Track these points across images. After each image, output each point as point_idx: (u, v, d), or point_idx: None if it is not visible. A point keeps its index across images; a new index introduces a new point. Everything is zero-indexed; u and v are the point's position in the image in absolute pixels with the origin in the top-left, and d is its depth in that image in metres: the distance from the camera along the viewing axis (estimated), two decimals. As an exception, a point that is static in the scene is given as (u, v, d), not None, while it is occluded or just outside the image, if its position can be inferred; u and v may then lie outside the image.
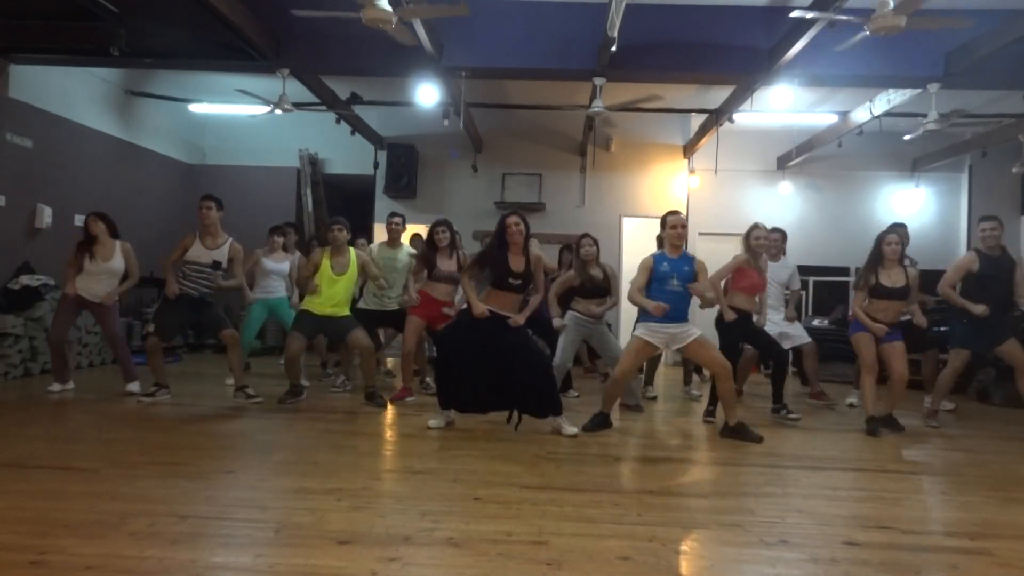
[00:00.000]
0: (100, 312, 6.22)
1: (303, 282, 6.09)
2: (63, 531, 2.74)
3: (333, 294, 5.90)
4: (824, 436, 5.27)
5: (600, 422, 5.15)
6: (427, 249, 6.14)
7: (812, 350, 6.71)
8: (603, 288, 5.97)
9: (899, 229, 6.63)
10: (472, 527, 2.94)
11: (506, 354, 4.88)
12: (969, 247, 9.97)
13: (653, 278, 5.08)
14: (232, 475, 3.72)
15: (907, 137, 8.10)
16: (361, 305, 6.66)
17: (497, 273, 4.92)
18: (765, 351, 6.21)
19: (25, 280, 7.28)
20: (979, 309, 5.53)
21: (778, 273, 6.60)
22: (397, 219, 6.85)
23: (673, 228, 5.06)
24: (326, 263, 5.93)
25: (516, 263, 4.93)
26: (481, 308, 4.87)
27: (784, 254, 6.85)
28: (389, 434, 5.00)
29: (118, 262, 6.21)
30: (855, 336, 5.60)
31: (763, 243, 5.74)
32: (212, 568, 2.49)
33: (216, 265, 5.91)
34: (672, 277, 5.02)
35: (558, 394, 5.14)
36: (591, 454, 4.45)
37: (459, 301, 6.18)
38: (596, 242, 6.16)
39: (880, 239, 5.57)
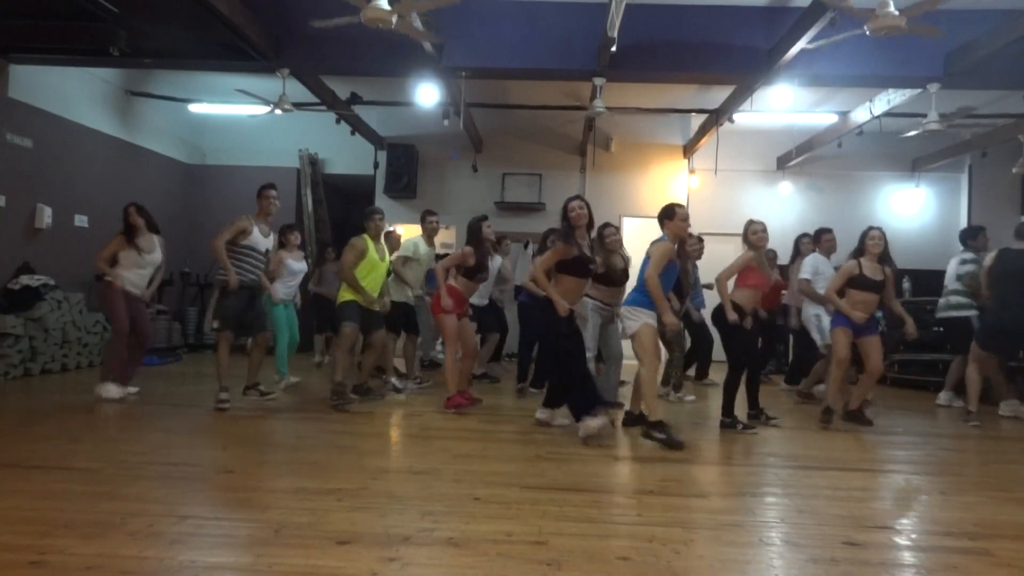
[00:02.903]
0: (140, 309, 5.99)
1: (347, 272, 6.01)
2: (63, 531, 2.74)
3: (368, 282, 5.94)
4: (824, 436, 5.27)
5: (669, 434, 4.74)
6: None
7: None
8: (623, 278, 5.84)
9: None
10: (472, 527, 2.93)
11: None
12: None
13: (667, 266, 4.92)
14: (232, 475, 3.72)
15: (912, 133, 8.07)
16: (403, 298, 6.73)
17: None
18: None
19: (25, 280, 7.28)
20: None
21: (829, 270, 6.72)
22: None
23: (684, 220, 4.96)
24: (371, 248, 5.98)
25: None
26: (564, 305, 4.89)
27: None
28: (389, 434, 5.00)
29: (158, 254, 6.06)
30: (836, 330, 5.64)
31: (763, 236, 5.55)
32: (212, 568, 2.49)
33: (267, 252, 5.86)
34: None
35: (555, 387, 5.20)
36: (591, 454, 4.44)
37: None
38: (619, 229, 6.09)
39: (864, 235, 5.70)
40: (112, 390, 5.71)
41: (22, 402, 5.85)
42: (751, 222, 5.64)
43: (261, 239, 5.68)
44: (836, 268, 6.50)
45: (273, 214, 5.79)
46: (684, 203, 10.73)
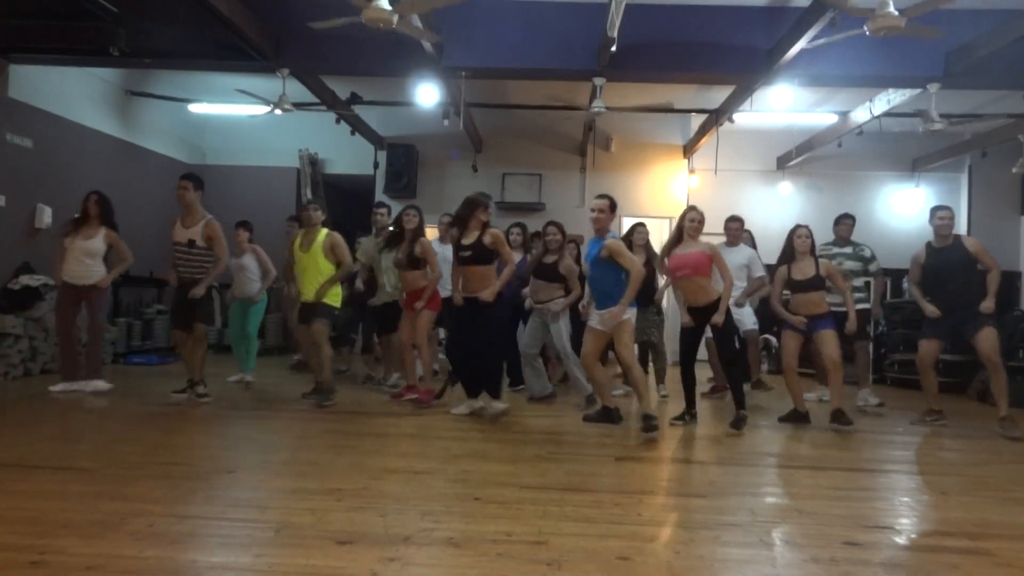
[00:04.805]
0: (89, 298, 6.22)
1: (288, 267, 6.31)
2: (63, 531, 2.74)
3: (300, 277, 5.97)
4: (824, 436, 5.27)
5: (602, 416, 5.34)
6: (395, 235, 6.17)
7: (753, 337, 6.86)
8: (554, 275, 6.11)
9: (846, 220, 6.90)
10: (472, 527, 2.93)
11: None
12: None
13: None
14: (232, 475, 3.72)
15: (920, 129, 8.02)
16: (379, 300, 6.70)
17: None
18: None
19: (25, 280, 7.28)
20: (929, 310, 5.57)
21: (733, 258, 6.64)
22: (383, 210, 6.97)
23: (591, 211, 5.21)
24: (296, 241, 6.06)
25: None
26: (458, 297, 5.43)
27: (745, 243, 7.00)
28: (389, 434, 5.00)
29: (98, 243, 6.18)
30: (783, 335, 5.71)
31: (694, 226, 5.47)
32: (212, 568, 2.49)
33: (191, 243, 5.85)
34: (586, 259, 5.27)
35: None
36: (591, 454, 4.44)
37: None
38: (561, 231, 6.24)
39: (791, 234, 5.69)
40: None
41: (22, 402, 5.85)
42: (690, 208, 5.60)
43: (181, 231, 5.88)
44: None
45: (186, 205, 5.90)
46: (684, 203, 10.84)
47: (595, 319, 5.25)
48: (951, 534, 3.09)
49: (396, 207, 10.58)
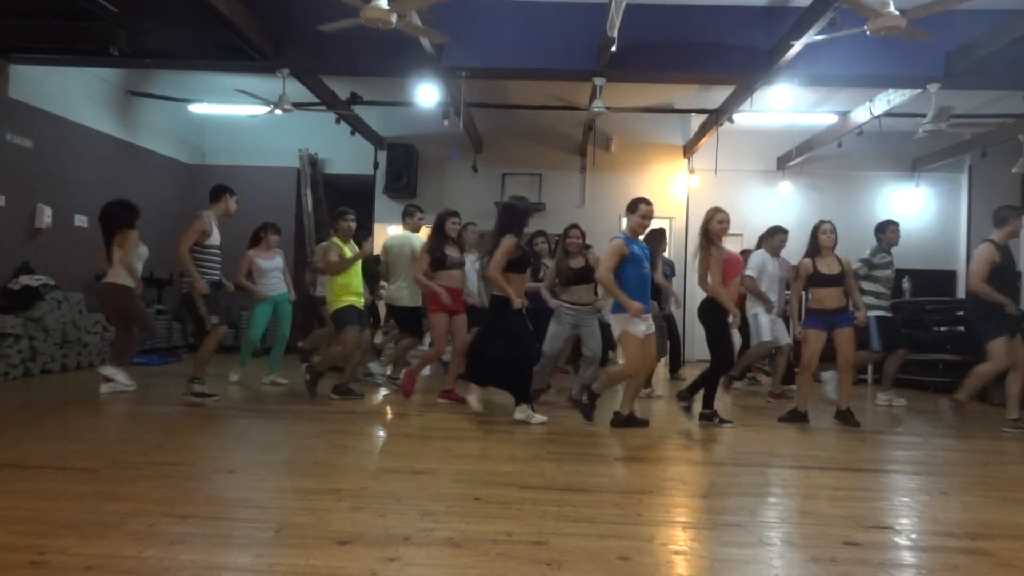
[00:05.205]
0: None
1: (334, 268, 6.07)
2: (63, 531, 2.74)
3: (358, 284, 6.17)
4: (824, 436, 5.27)
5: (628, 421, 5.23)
6: (437, 240, 5.98)
7: (787, 352, 6.91)
8: (584, 276, 5.92)
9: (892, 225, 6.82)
10: (472, 527, 2.93)
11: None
12: (970, 247, 9.98)
13: (629, 260, 5.07)
14: (232, 475, 3.72)
15: (920, 131, 8.01)
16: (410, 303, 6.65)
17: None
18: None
19: (25, 280, 7.28)
20: (1012, 307, 5.49)
21: (778, 270, 6.93)
22: (420, 213, 6.94)
23: (645, 217, 5.18)
24: (347, 251, 6.13)
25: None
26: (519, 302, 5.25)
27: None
28: (389, 434, 5.00)
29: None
30: (805, 333, 5.61)
31: (723, 226, 5.45)
32: (212, 568, 2.49)
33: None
34: (644, 259, 5.16)
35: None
36: (591, 454, 4.45)
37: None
38: (583, 233, 6.16)
39: (815, 229, 5.68)
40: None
41: (22, 402, 5.86)
42: (717, 210, 5.51)
43: (218, 235, 5.95)
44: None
45: (230, 214, 6.15)
46: (684, 203, 10.85)
47: (644, 324, 5.07)
48: (951, 534, 3.09)
49: (396, 207, 10.67)
